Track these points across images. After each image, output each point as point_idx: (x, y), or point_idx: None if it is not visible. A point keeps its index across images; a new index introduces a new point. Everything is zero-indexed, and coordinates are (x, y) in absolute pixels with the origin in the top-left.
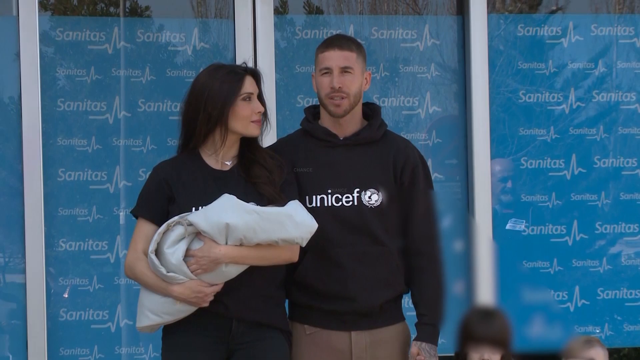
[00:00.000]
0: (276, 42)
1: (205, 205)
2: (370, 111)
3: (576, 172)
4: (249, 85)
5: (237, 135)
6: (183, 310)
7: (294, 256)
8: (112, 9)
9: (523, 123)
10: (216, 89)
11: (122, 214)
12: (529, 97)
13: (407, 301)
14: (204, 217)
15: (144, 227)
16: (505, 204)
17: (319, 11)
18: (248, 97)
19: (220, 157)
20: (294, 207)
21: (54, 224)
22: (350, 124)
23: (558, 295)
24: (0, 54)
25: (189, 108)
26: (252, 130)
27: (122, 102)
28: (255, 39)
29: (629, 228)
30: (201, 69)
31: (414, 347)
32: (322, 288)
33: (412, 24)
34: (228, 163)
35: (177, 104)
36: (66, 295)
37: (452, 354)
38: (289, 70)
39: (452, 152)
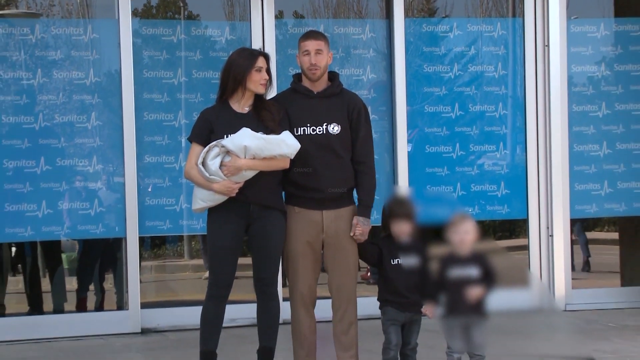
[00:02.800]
0: (276, 36)
1: (232, 134)
2: (332, 76)
3: (458, 114)
4: (260, 62)
5: (251, 92)
6: (220, 199)
7: (286, 165)
8: (176, 15)
9: (425, 85)
10: (240, 63)
11: (182, 140)
12: (429, 69)
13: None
14: (231, 141)
15: (195, 148)
16: (415, 133)
17: (301, 17)
18: (259, 69)
19: (241, 105)
20: (286, 135)
21: (142, 146)
22: (321, 84)
23: (447, 189)
24: (107, 43)
25: (223, 74)
26: (260, 90)
27: (182, 72)
28: (263, 34)
29: (490, 148)
30: (231, 52)
31: (355, 219)
32: (304, 184)
33: (358, 24)
34: (246, 109)
35: (217, 73)
36: (150, 190)
37: (379, 225)
38: (284, 53)
39: (382, 103)
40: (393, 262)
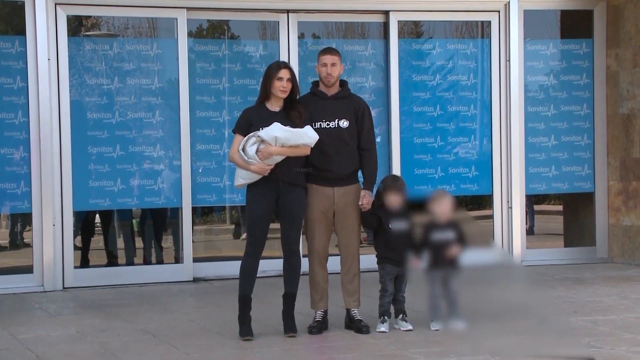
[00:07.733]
0: (298, 52)
1: (266, 127)
2: (342, 83)
3: (439, 113)
4: (282, 73)
5: (279, 96)
6: (256, 177)
7: (308, 152)
8: (221, 36)
9: (414, 90)
10: (268, 73)
11: (226, 132)
12: (417, 78)
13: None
14: (265, 133)
15: (237, 138)
16: (406, 127)
17: (318, 37)
18: (280, 79)
19: (273, 105)
20: (308, 128)
21: (195, 136)
22: (334, 89)
23: (430, 172)
24: (169, 57)
25: (261, 82)
26: (279, 94)
27: (226, 79)
28: (288, 50)
29: (463, 139)
30: (265, 65)
31: (363, 192)
32: (320, 166)
33: (362, 43)
34: (277, 108)
35: (255, 81)
36: (200, 170)
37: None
38: (305, 65)
39: (381, 104)
40: (390, 226)
